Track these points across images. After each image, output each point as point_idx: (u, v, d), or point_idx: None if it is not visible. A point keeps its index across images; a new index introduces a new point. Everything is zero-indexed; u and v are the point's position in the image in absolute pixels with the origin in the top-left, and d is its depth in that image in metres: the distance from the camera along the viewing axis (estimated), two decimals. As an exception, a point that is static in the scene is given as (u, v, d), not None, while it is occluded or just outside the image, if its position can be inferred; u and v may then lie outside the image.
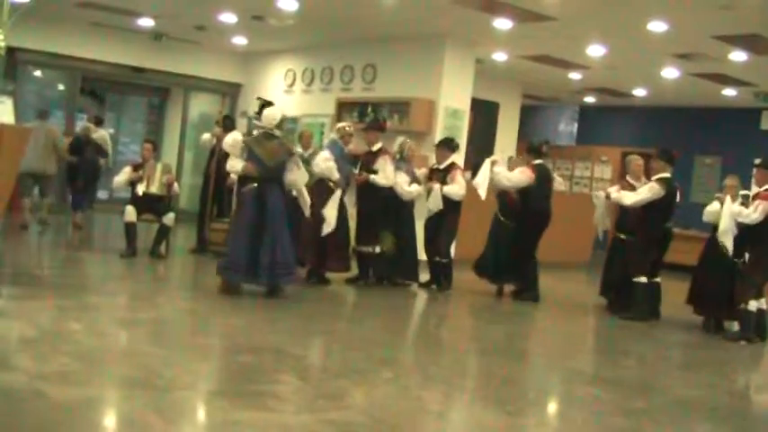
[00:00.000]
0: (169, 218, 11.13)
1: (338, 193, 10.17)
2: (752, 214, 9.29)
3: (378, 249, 10.48)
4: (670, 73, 14.54)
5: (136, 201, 11.08)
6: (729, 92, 15.94)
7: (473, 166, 11.23)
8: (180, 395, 5.27)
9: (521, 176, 10.61)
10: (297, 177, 9.20)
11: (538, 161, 10.87)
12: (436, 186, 10.53)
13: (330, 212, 10.01)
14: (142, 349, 6.50)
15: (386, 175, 10.35)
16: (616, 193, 10.46)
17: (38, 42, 15.39)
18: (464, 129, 13.71)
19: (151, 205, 11.12)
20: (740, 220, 9.38)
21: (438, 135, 12.99)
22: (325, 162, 10.13)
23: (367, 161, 10.54)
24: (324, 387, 5.80)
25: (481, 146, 15.39)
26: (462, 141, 13.56)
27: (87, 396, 5.04)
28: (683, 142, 17.91)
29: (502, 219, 10.96)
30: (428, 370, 7.00)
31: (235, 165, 9.01)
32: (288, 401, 5.37)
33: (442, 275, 10.82)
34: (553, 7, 10.74)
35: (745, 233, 9.43)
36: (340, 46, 15.13)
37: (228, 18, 13.73)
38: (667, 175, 10.11)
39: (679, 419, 6.10)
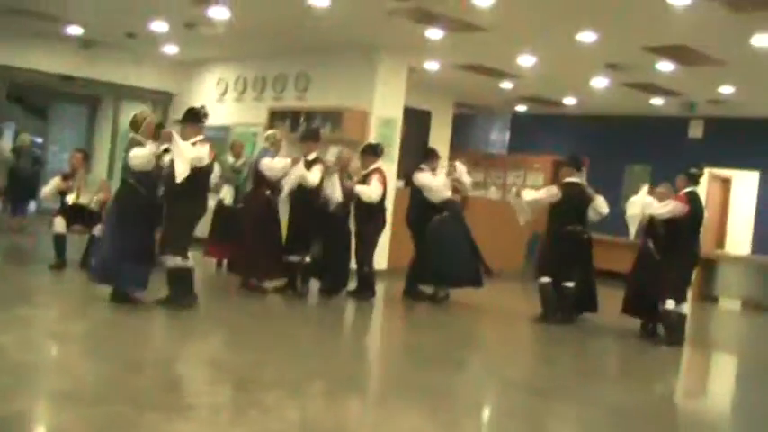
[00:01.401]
0: (99, 229, 10.97)
1: (300, 164, 10.21)
2: (660, 208, 9.64)
3: (308, 259, 10.50)
4: (600, 82, 14.73)
5: (65, 211, 10.91)
6: (657, 101, 16.20)
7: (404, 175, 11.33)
8: (111, 409, 5.19)
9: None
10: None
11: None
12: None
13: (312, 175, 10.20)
14: (72, 362, 6.42)
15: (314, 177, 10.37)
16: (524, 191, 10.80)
17: (-37, 50, 15.10)
18: (396, 138, 13.72)
19: (81, 216, 10.94)
20: (648, 211, 9.73)
21: (371, 144, 13.06)
22: (279, 164, 10.23)
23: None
24: (257, 399, 5.75)
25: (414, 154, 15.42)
26: (395, 150, 13.63)
27: (16, 410, 4.96)
28: (614, 150, 18.23)
29: None
30: (362, 381, 7.00)
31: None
32: (222, 413, 5.34)
33: (361, 284, 10.88)
34: (484, 18, 10.80)
35: (667, 233, 9.70)
36: (273, 55, 15.07)
37: (159, 26, 13.59)
38: (573, 179, 10.49)
39: (614, 427, 6.17)
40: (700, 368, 9.82)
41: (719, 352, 11.05)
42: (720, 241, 18.92)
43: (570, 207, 10.38)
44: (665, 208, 9.58)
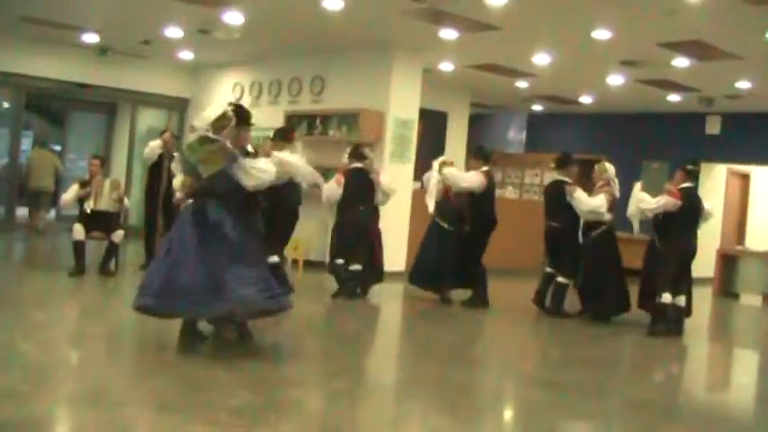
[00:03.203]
0: (118, 235, 11.01)
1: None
2: (652, 203, 9.81)
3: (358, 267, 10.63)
4: (615, 80, 14.69)
5: (84, 218, 10.95)
6: (674, 97, 16.15)
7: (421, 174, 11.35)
8: (130, 411, 5.21)
9: (476, 179, 10.74)
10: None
11: (486, 168, 10.95)
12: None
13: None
14: (92, 365, 6.44)
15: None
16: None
17: (-20, 59, 15.20)
18: (413, 139, 13.73)
19: (100, 223, 10.98)
20: (641, 206, 9.87)
21: (387, 145, 13.11)
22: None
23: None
24: (276, 399, 5.76)
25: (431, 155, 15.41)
26: (412, 151, 13.66)
27: (36, 415, 4.97)
28: (631, 147, 18.13)
29: (445, 225, 11.00)
30: (381, 379, 6.99)
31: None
32: (240, 415, 5.33)
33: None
34: (497, 17, 10.79)
35: (662, 228, 9.89)
36: (288, 59, 15.10)
37: (174, 32, 13.64)
38: (557, 177, 10.86)
39: (632, 421, 6.14)
40: (720, 363, 9.76)
41: (739, 347, 10.98)
42: (740, 237, 18.83)
43: (548, 203, 10.87)
44: (657, 203, 9.76)
